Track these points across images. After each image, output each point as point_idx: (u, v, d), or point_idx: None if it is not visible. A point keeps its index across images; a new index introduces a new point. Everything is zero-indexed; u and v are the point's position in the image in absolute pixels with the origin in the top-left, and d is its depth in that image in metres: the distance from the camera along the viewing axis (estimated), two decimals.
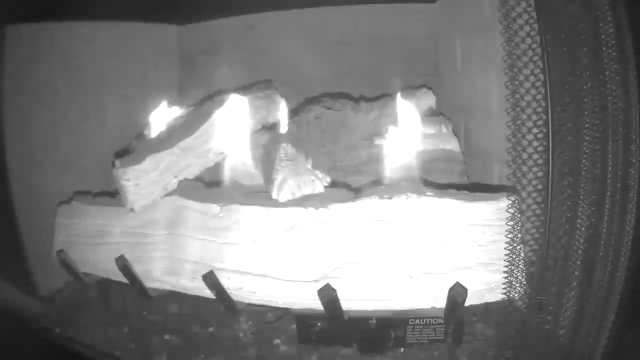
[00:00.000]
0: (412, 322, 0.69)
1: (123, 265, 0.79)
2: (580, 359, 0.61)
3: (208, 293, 0.73)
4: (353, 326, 0.70)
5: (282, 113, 0.94)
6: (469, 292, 0.64)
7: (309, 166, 0.78)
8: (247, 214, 0.72)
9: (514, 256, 0.62)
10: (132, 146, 0.90)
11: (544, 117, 0.58)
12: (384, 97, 0.99)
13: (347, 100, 0.98)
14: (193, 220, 0.76)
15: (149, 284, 0.80)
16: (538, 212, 0.59)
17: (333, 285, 0.66)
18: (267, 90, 0.96)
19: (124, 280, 0.81)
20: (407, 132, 0.79)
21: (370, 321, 0.69)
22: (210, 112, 0.87)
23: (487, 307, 0.67)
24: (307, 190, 0.74)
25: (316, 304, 0.67)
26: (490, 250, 0.65)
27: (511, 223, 0.62)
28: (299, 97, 1.07)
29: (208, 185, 0.84)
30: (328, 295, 0.65)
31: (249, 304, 0.74)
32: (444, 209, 0.66)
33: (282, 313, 0.79)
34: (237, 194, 0.77)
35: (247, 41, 1.19)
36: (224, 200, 0.74)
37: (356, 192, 0.72)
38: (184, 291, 0.76)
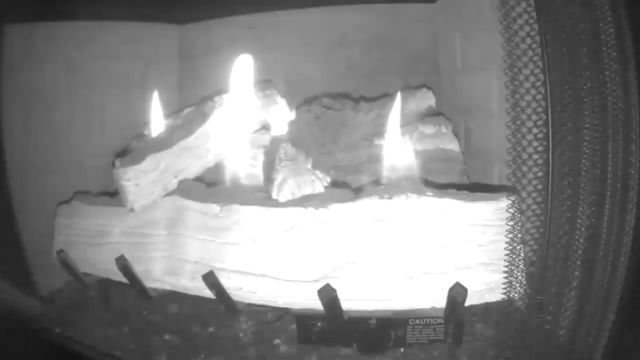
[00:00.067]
0: (412, 322, 0.69)
1: (123, 265, 0.79)
2: (580, 359, 0.61)
3: (208, 293, 0.73)
4: (353, 326, 0.70)
5: (282, 113, 0.94)
6: (469, 292, 0.64)
7: (309, 166, 0.78)
8: (247, 214, 0.72)
9: (514, 256, 0.62)
10: (132, 146, 0.90)
11: (544, 117, 0.58)
12: (384, 97, 0.99)
13: (347, 100, 0.98)
14: (193, 220, 0.76)
15: (149, 284, 0.80)
16: (538, 212, 0.60)
17: (333, 285, 0.66)
18: (267, 90, 0.96)
19: (124, 280, 0.81)
20: (406, 132, 0.79)
21: (370, 321, 0.69)
22: (210, 112, 0.87)
23: (487, 307, 0.67)
24: (307, 190, 0.74)
25: (316, 304, 0.67)
26: (490, 250, 0.65)
27: (511, 223, 0.62)
28: (299, 97, 1.07)
29: (208, 185, 0.84)
30: (328, 295, 0.65)
31: (249, 304, 0.74)
32: (444, 209, 0.66)
33: (282, 313, 0.79)
34: (237, 194, 0.77)
35: (247, 41, 1.19)
36: (224, 200, 0.74)
37: (356, 192, 0.72)
38: (184, 291, 0.76)
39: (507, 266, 0.63)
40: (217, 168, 0.87)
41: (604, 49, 0.57)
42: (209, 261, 0.73)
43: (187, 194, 0.78)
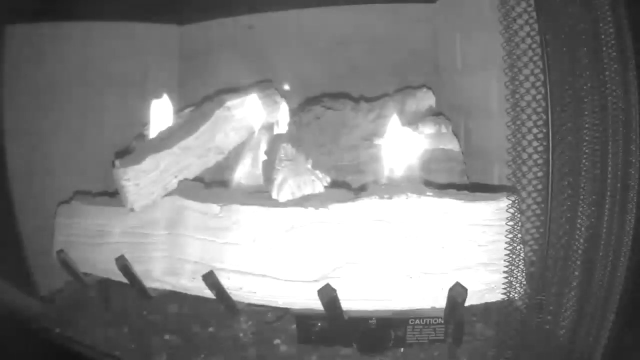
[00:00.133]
0: (412, 322, 0.69)
1: (123, 265, 0.79)
2: (580, 359, 0.61)
3: (208, 293, 0.73)
4: (353, 326, 0.70)
5: (282, 113, 0.94)
6: (469, 292, 0.64)
7: (309, 166, 0.78)
8: (247, 214, 0.72)
9: (514, 256, 0.62)
10: (132, 146, 0.90)
11: (544, 117, 0.58)
12: (384, 97, 0.99)
13: (347, 100, 0.99)
14: (193, 220, 0.76)
15: (149, 284, 0.80)
16: (538, 212, 0.60)
17: (333, 285, 0.66)
18: (267, 90, 0.96)
19: (124, 280, 0.81)
20: (406, 132, 0.79)
21: (370, 321, 0.69)
22: (210, 112, 0.87)
23: (487, 307, 0.67)
24: (307, 190, 0.74)
25: (316, 304, 0.67)
26: (490, 250, 0.65)
27: (511, 223, 0.62)
28: (299, 97, 1.07)
29: (208, 185, 0.84)
30: (328, 295, 0.65)
31: (249, 304, 0.74)
32: (444, 209, 0.66)
33: (282, 313, 0.79)
34: (237, 194, 0.77)
35: (247, 41, 1.19)
36: (224, 200, 0.74)
37: (356, 192, 0.72)
38: (184, 291, 0.76)
39: (507, 266, 0.63)
40: (217, 168, 0.87)
41: (604, 49, 0.57)
42: (209, 261, 0.73)
43: (187, 194, 0.78)
